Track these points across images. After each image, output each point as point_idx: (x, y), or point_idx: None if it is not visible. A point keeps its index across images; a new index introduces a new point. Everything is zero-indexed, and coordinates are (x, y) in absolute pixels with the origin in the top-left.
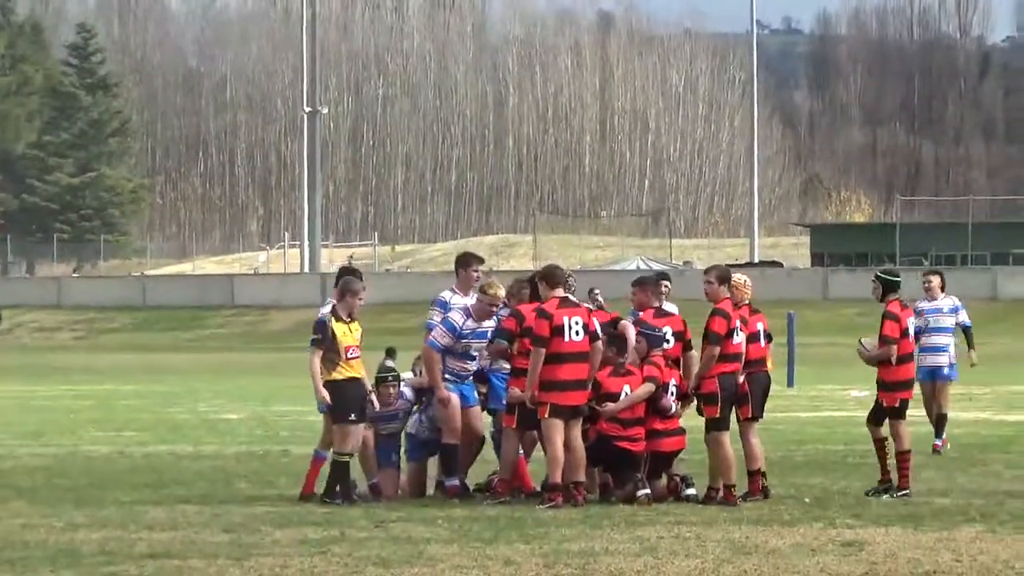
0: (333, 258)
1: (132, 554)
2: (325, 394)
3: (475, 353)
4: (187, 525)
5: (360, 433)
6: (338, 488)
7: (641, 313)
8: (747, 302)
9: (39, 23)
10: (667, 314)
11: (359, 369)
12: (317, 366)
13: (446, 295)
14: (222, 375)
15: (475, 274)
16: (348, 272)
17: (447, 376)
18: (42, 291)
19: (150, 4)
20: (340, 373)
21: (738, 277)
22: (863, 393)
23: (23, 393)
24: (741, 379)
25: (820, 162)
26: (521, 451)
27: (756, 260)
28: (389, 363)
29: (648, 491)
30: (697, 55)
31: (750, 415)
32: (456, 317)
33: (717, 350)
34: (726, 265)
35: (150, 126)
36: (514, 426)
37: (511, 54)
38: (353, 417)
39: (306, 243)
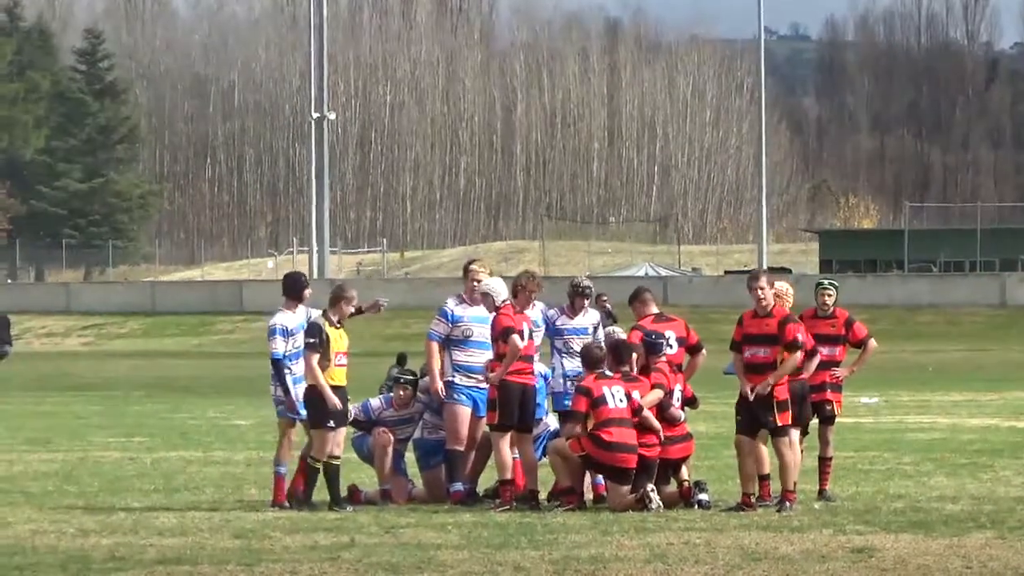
0: (342, 264)
1: (142, 560)
2: (335, 401)
3: (480, 340)
4: (197, 531)
5: (334, 439)
6: (302, 490)
7: (639, 321)
8: (787, 311)
9: (47, 29)
10: (667, 319)
11: (341, 377)
12: (318, 370)
13: (450, 303)
14: (231, 380)
15: (474, 283)
16: (295, 277)
17: (456, 380)
18: (51, 297)
19: (158, 10)
20: (327, 379)
21: (779, 285)
22: (873, 400)
23: (32, 399)
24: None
25: (828, 168)
26: (516, 453)
27: (765, 267)
28: (396, 371)
29: (658, 498)
30: (705, 61)
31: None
32: (449, 302)
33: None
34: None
35: (158, 132)
36: (496, 422)
37: (519, 60)
38: (332, 424)
39: (314, 249)
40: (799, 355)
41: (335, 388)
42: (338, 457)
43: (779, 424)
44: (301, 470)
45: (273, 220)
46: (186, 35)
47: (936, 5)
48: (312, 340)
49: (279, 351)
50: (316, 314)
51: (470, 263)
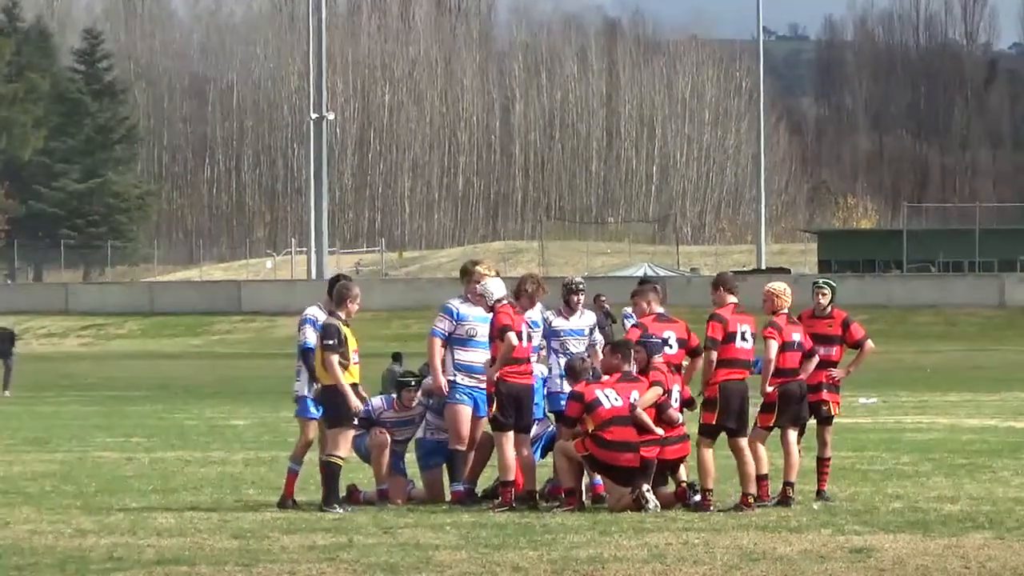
0: (340, 264)
1: (140, 560)
2: (358, 403)
3: (483, 340)
4: (195, 531)
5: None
6: (334, 492)
7: (640, 319)
8: (785, 311)
9: (46, 29)
10: (669, 320)
11: (357, 375)
12: (339, 370)
13: (454, 302)
14: (229, 381)
15: (477, 286)
16: (342, 279)
17: (458, 380)
18: (49, 297)
19: (156, 10)
20: (345, 378)
21: (776, 285)
22: (871, 400)
23: (31, 399)
24: (770, 388)
25: (827, 168)
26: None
27: (763, 267)
28: (397, 368)
29: (654, 499)
30: (703, 62)
31: (770, 424)
32: (453, 301)
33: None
34: (732, 272)
35: (157, 132)
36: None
37: (518, 61)
38: (355, 421)
39: (313, 249)
40: (713, 355)
41: (352, 386)
42: (345, 458)
43: (701, 422)
44: (323, 472)
45: (271, 220)
46: (184, 36)
47: (935, 5)
48: (331, 342)
49: (310, 341)
50: (316, 311)
51: (473, 264)
